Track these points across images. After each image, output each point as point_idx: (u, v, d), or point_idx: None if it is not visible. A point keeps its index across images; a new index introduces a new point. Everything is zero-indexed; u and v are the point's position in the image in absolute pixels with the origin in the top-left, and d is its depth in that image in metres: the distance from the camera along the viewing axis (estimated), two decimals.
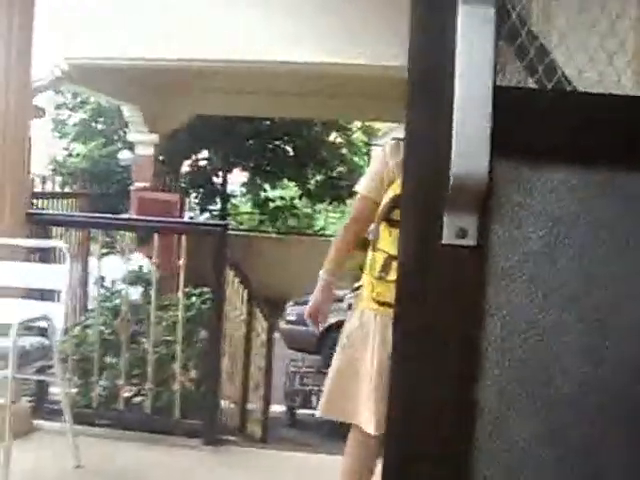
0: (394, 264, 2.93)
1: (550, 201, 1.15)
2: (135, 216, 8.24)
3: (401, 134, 3.18)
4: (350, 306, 3.30)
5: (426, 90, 1.11)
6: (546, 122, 1.11)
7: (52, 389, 4.97)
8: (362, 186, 3.33)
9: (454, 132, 1.05)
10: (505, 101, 1.05)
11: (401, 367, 1.17)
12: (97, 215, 5.99)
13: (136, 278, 5.31)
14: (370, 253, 3.16)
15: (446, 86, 1.04)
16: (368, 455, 3.27)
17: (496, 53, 1.03)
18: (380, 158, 3.28)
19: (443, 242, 1.12)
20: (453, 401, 1.15)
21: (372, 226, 3.23)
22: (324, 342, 9.10)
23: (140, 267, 6.28)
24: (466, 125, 1.04)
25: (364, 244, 3.31)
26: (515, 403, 1.17)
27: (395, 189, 3.06)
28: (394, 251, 2.93)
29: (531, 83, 1.22)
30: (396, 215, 2.98)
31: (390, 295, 2.82)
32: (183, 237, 4.83)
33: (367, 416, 3.11)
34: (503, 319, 1.16)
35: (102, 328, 5.03)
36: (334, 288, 3.34)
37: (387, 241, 3.07)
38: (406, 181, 1.17)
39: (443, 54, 1.05)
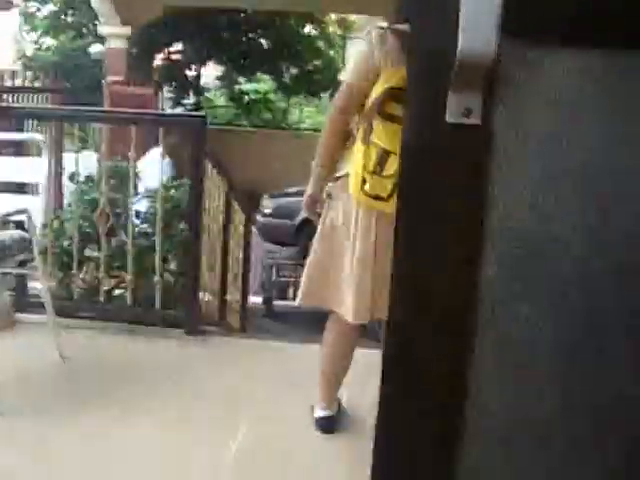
0: (390, 159, 2.93)
1: (559, 83, 1.15)
2: (111, 108, 8.11)
3: (381, 24, 3.12)
4: (330, 196, 3.24)
5: None
6: (557, 2, 1.11)
7: (32, 283, 4.99)
8: (348, 74, 3.25)
9: (462, 7, 1.04)
10: None
11: (404, 253, 1.19)
12: (72, 108, 5.90)
13: (113, 172, 5.26)
14: (360, 146, 3.07)
15: None
16: (347, 343, 3.37)
17: None
18: (366, 47, 3.14)
19: (448, 120, 1.12)
20: (455, 286, 1.18)
21: (356, 118, 3.17)
22: (300, 234, 9.17)
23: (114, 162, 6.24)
24: (474, 1, 1.03)
25: (346, 136, 3.24)
26: (515, 287, 1.20)
27: (387, 81, 2.99)
28: (390, 146, 2.93)
29: None
30: (390, 108, 2.96)
31: (382, 189, 2.96)
32: (160, 130, 4.80)
33: (347, 305, 3.15)
34: (505, 200, 1.17)
35: (80, 222, 5.03)
36: (327, 179, 3.29)
37: (382, 135, 3.00)
38: (411, 59, 1.16)
39: None
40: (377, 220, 3.07)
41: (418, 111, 1.15)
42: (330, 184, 3.25)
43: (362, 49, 3.19)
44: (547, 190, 1.18)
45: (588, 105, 1.16)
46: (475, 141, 1.14)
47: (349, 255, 3.15)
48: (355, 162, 3.08)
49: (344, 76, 3.30)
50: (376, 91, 3.03)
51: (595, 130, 1.17)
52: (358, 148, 3.10)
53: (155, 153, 8.09)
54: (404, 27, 3.00)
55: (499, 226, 1.19)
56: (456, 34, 1.05)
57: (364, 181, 3.03)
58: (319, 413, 3.47)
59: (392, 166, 2.90)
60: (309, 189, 3.30)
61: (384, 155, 2.97)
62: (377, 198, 3.01)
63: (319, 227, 3.29)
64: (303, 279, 3.36)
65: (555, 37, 1.13)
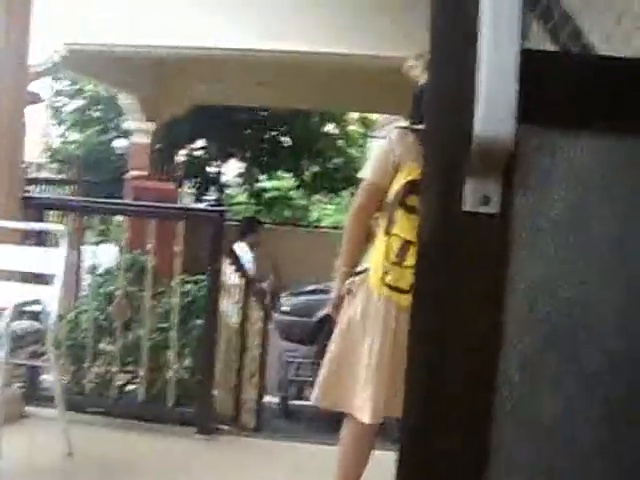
0: (411, 249, 2.94)
1: (578, 167, 1.10)
2: (132, 201, 8.16)
3: (401, 124, 3.13)
4: (350, 291, 3.20)
5: (449, 52, 1.05)
6: (575, 86, 1.06)
7: (43, 375, 4.91)
8: (368, 172, 3.29)
9: (479, 95, 0.99)
10: (532, 64, 1.00)
11: (419, 343, 1.12)
12: (94, 199, 5.92)
13: (130, 265, 5.23)
14: (382, 237, 3.11)
15: (469, 49, 0.99)
16: (363, 444, 3.26)
17: (522, 15, 0.98)
18: (386, 145, 3.23)
19: (465, 209, 1.06)
20: (475, 373, 1.11)
21: (377, 214, 3.19)
22: (319, 332, 9.04)
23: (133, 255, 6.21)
24: (491, 88, 0.99)
25: (367, 233, 3.27)
26: (539, 376, 1.12)
27: (409, 174, 3.05)
28: (411, 236, 2.94)
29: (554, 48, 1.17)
30: (411, 201, 3.00)
31: (404, 281, 2.95)
32: (180, 223, 4.76)
33: (362, 405, 3.08)
34: (527, 289, 1.11)
35: (96, 314, 4.97)
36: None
37: (404, 226, 3.03)
38: (428, 147, 1.12)
39: (467, 17, 1.00)
40: (397, 313, 3.03)
41: (434, 200, 1.11)
42: (350, 279, 3.22)
43: (382, 145, 3.27)
44: (570, 275, 1.13)
45: (609, 189, 1.12)
46: (493, 230, 1.10)
47: (366, 353, 3.08)
48: (376, 254, 3.10)
49: (363, 173, 3.35)
50: (398, 183, 3.08)
51: (618, 214, 1.12)
52: (380, 240, 3.12)
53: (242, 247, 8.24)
54: (423, 127, 2.94)
55: (520, 315, 1.13)
56: (472, 120, 1.00)
57: (386, 272, 3.04)
58: None
59: (413, 256, 2.73)
60: (336, 289, 3.27)
61: (405, 245, 3.00)
62: (397, 290, 3.00)
63: (337, 325, 3.24)
64: (319, 379, 3.30)
65: (573, 121, 1.10)
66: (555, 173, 1.10)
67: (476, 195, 1.05)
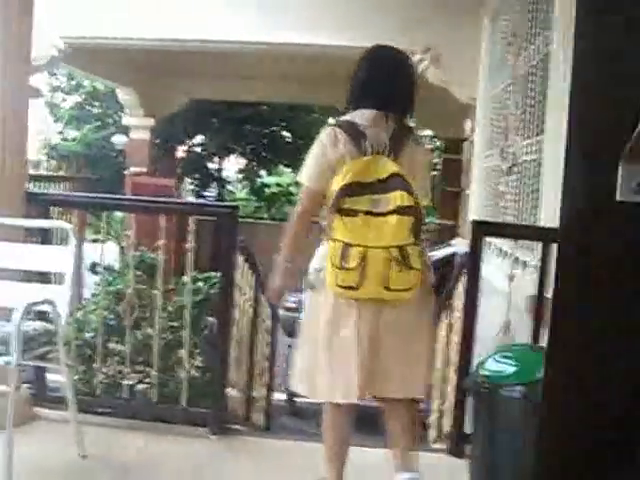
0: (351, 251, 3.15)
1: None
2: (141, 197, 8.03)
3: (359, 119, 3.23)
4: (312, 287, 3.43)
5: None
6: None
7: (51, 376, 4.79)
8: (305, 177, 3.41)
9: None
10: None
11: (559, 353, 0.99)
12: (100, 195, 5.78)
13: (139, 262, 5.12)
14: (329, 244, 3.28)
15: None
16: (342, 423, 3.51)
17: None
18: (317, 149, 3.36)
19: (618, 198, 0.92)
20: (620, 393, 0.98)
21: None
22: None
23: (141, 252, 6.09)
24: None
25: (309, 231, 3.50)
26: None
27: (343, 178, 3.20)
28: (351, 239, 3.17)
29: None
30: (347, 203, 3.19)
31: (351, 280, 3.18)
32: (191, 219, 4.64)
33: (335, 389, 3.34)
34: None
35: (105, 313, 4.85)
36: (294, 272, 3.48)
37: (342, 230, 3.20)
38: (572, 130, 0.98)
39: None
40: (358, 305, 3.26)
41: (578, 188, 0.95)
42: (311, 276, 3.42)
43: (314, 150, 3.36)
44: None
45: None
46: None
47: (337, 339, 3.31)
48: (327, 258, 3.27)
49: (301, 178, 3.45)
50: (335, 186, 3.22)
51: None
52: (326, 245, 3.33)
53: None
54: (348, 117, 3.36)
55: None
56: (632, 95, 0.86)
57: (336, 275, 3.22)
58: None
59: (355, 258, 3.15)
60: (277, 282, 3.49)
61: (346, 249, 3.17)
62: (350, 288, 3.20)
63: (303, 319, 3.52)
64: (297, 369, 3.53)
65: None
66: None
67: (631, 183, 0.91)
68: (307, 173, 3.38)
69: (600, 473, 1.05)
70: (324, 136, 3.34)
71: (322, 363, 3.36)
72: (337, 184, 3.20)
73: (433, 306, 3.56)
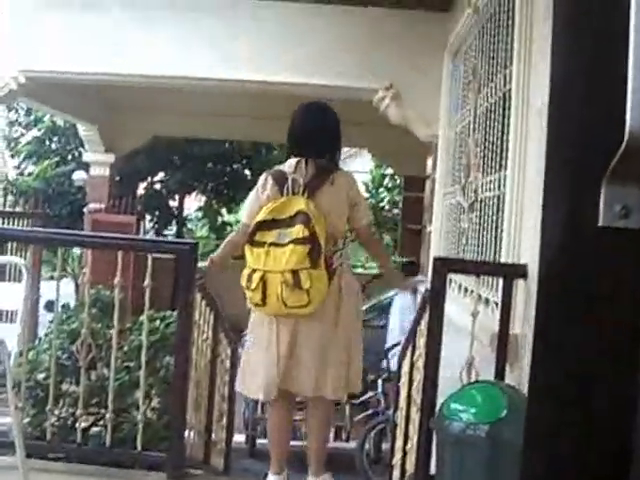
0: (254, 275, 3.97)
1: None
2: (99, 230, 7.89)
3: (286, 167, 4.11)
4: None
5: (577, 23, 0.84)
6: None
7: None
8: (244, 215, 4.35)
9: (631, 80, 0.78)
10: None
11: (544, 401, 0.91)
12: (57, 231, 5.63)
13: (94, 301, 4.97)
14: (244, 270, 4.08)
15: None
16: (277, 416, 4.30)
17: None
18: (254, 193, 4.24)
19: (601, 224, 0.85)
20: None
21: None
22: None
23: (97, 289, 5.94)
24: None
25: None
26: None
27: (261, 215, 4.01)
28: (256, 265, 3.98)
29: None
30: (258, 237, 4.00)
31: (257, 298, 3.98)
32: (149, 256, 4.50)
33: (263, 388, 4.11)
34: None
35: (59, 353, 4.68)
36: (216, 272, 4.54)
37: (250, 258, 4.02)
38: (550, 149, 0.90)
39: None
40: (277, 319, 4.06)
41: (558, 215, 0.88)
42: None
43: (251, 193, 4.28)
44: None
45: None
46: (636, 249, 0.88)
47: (259, 348, 4.14)
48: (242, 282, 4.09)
49: (241, 215, 4.72)
50: (253, 222, 4.05)
51: None
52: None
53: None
54: (280, 167, 4.25)
55: None
56: (616, 113, 0.78)
57: (247, 294, 4.06)
58: (270, 478, 4.30)
59: (256, 280, 3.95)
60: (208, 262, 4.55)
61: (251, 273, 3.99)
62: (257, 305, 4.04)
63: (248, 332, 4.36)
64: (239, 371, 4.39)
65: None
66: None
67: (614, 206, 0.84)
68: (244, 210, 4.36)
69: None
70: (259, 182, 4.23)
71: (251, 367, 4.20)
72: (255, 219, 4.03)
73: (355, 313, 4.24)
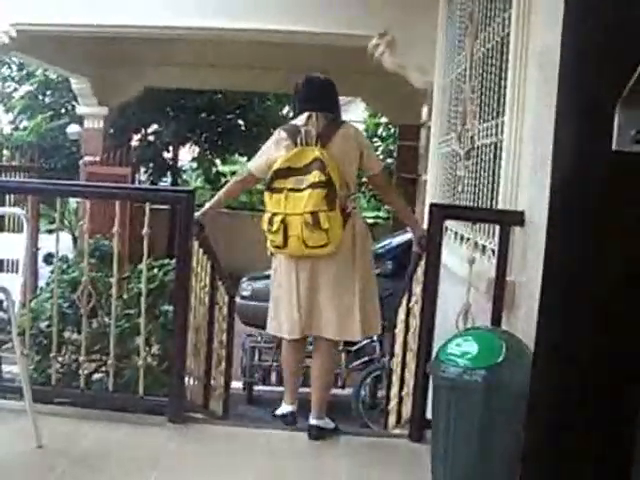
0: (275, 218, 4.20)
1: None
2: (95, 183, 7.92)
3: (298, 121, 4.33)
4: (272, 253, 4.44)
5: None
6: None
7: (5, 366, 4.71)
8: (252, 164, 4.60)
9: None
10: None
11: (546, 316, 0.95)
12: (54, 182, 5.67)
13: (93, 251, 5.04)
14: (263, 214, 4.31)
15: None
16: (292, 350, 4.55)
17: None
18: (265, 147, 4.47)
19: (615, 148, 0.85)
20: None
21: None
22: None
23: (95, 240, 6.00)
24: None
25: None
26: None
27: (277, 164, 4.23)
28: (276, 209, 4.21)
29: None
30: (275, 183, 4.23)
31: (278, 240, 4.21)
32: (146, 205, 4.56)
33: (287, 327, 4.40)
34: None
35: (60, 301, 4.77)
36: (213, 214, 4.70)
37: (270, 203, 4.26)
38: (563, 71, 0.89)
39: None
40: (296, 261, 4.31)
41: (569, 139, 0.88)
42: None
43: (263, 147, 4.51)
44: None
45: None
46: None
47: (285, 289, 4.38)
48: (263, 226, 4.31)
49: (250, 164, 4.71)
50: (270, 171, 4.25)
51: None
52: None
53: None
54: (291, 122, 4.49)
55: None
56: (633, 36, 0.79)
57: (267, 238, 4.28)
58: (282, 410, 4.54)
59: (276, 223, 4.19)
60: (198, 213, 4.57)
61: (272, 217, 4.22)
62: (278, 247, 4.26)
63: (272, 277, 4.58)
64: (269, 314, 4.57)
65: None
66: None
67: (629, 131, 0.84)
68: (253, 161, 4.60)
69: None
70: (272, 137, 4.46)
71: (277, 308, 4.45)
72: (272, 168, 4.24)
73: (368, 254, 4.47)
